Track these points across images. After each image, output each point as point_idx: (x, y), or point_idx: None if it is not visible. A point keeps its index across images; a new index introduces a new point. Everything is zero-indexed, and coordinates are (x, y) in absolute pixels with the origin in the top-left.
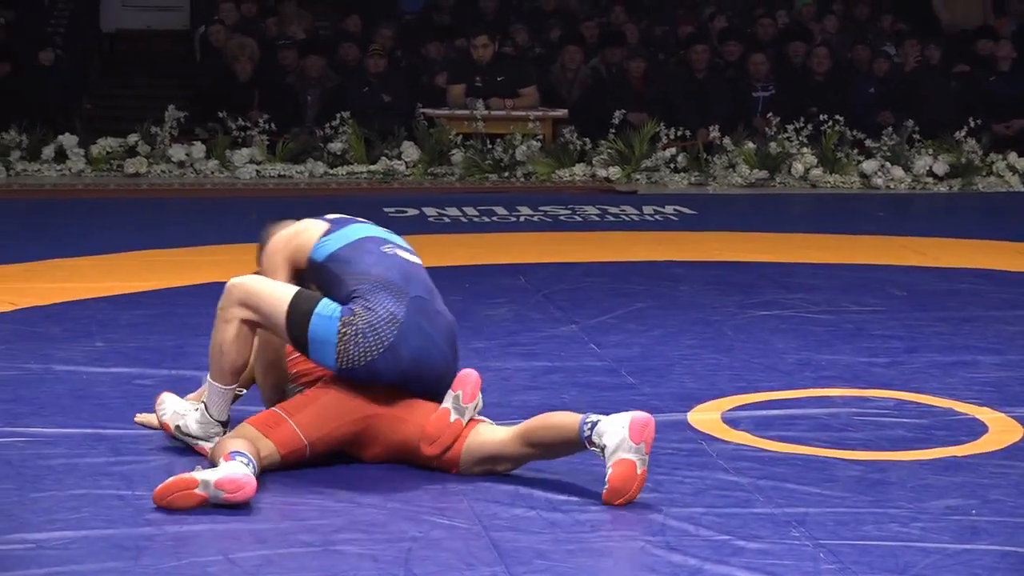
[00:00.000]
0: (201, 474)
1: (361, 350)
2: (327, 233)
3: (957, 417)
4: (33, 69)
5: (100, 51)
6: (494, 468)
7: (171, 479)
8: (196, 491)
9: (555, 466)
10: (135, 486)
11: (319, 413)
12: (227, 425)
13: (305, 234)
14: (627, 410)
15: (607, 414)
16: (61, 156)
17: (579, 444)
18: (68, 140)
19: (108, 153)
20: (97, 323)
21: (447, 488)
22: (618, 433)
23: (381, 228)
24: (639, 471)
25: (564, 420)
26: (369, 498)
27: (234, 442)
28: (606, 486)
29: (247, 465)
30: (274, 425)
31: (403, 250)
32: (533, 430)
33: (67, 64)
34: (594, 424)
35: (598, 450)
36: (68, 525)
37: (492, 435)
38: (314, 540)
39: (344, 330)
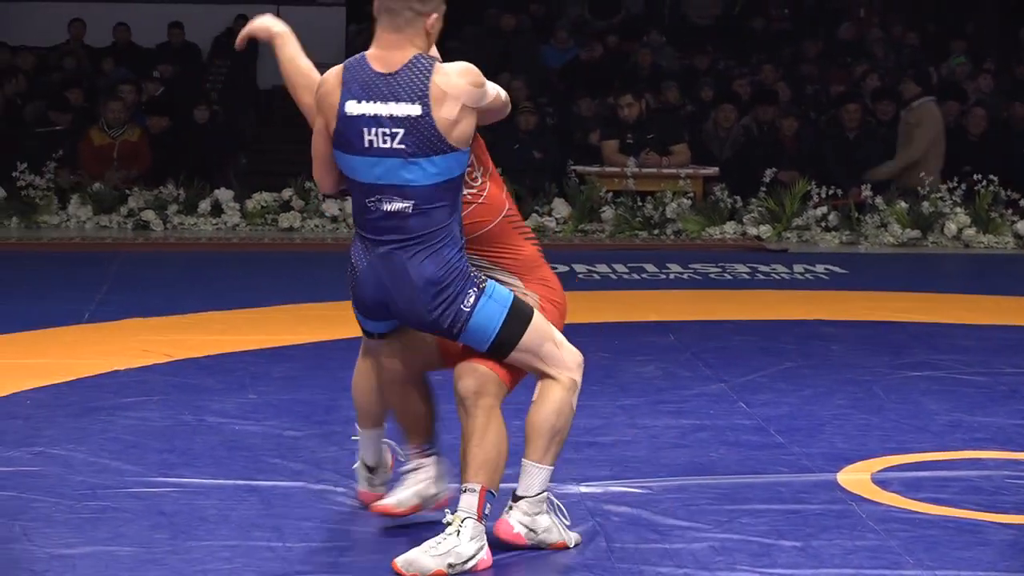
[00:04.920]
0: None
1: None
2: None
3: None
4: (190, 124)
5: (257, 107)
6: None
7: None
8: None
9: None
10: (286, 538)
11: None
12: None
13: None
14: (775, 470)
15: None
16: (217, 210)
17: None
18: (224, 194)
19: (263, 207)
20: (250, 375)
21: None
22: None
23: (371, 160)
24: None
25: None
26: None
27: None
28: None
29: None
30: (514, 380)
31: (387, 198)
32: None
33: (224, 119)
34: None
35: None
36: (220, 575)
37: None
38: None
39: None
